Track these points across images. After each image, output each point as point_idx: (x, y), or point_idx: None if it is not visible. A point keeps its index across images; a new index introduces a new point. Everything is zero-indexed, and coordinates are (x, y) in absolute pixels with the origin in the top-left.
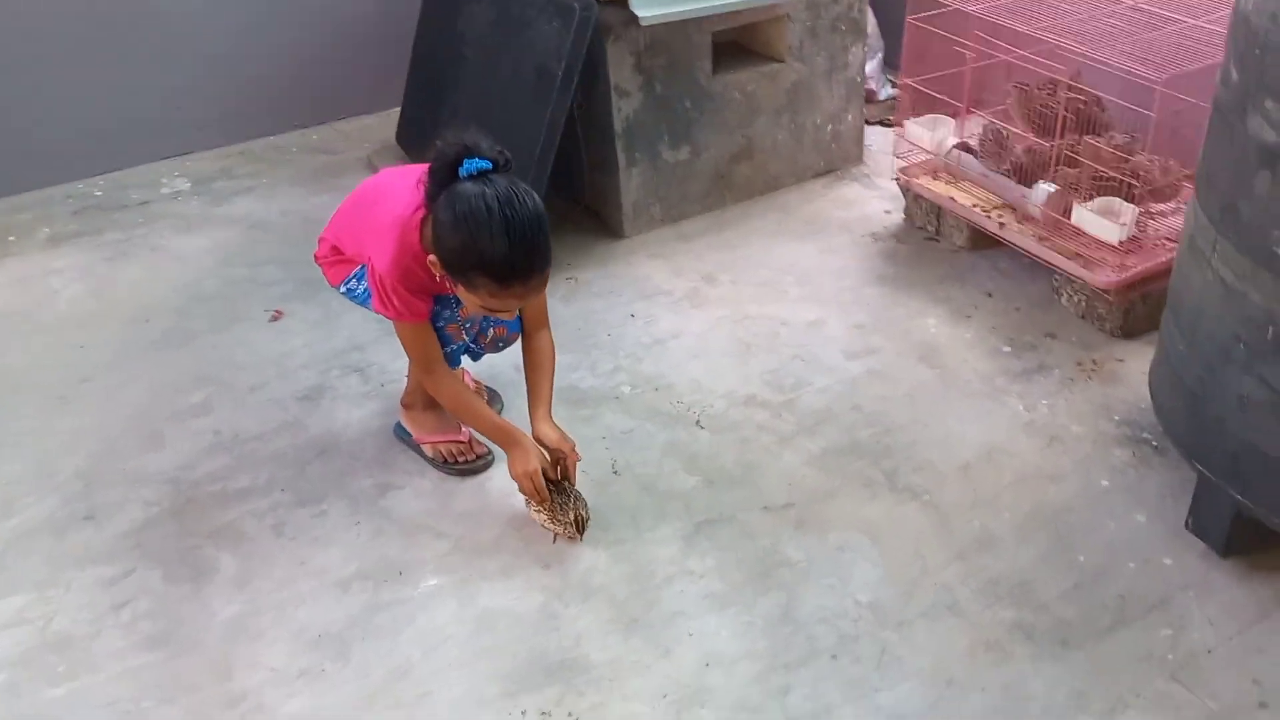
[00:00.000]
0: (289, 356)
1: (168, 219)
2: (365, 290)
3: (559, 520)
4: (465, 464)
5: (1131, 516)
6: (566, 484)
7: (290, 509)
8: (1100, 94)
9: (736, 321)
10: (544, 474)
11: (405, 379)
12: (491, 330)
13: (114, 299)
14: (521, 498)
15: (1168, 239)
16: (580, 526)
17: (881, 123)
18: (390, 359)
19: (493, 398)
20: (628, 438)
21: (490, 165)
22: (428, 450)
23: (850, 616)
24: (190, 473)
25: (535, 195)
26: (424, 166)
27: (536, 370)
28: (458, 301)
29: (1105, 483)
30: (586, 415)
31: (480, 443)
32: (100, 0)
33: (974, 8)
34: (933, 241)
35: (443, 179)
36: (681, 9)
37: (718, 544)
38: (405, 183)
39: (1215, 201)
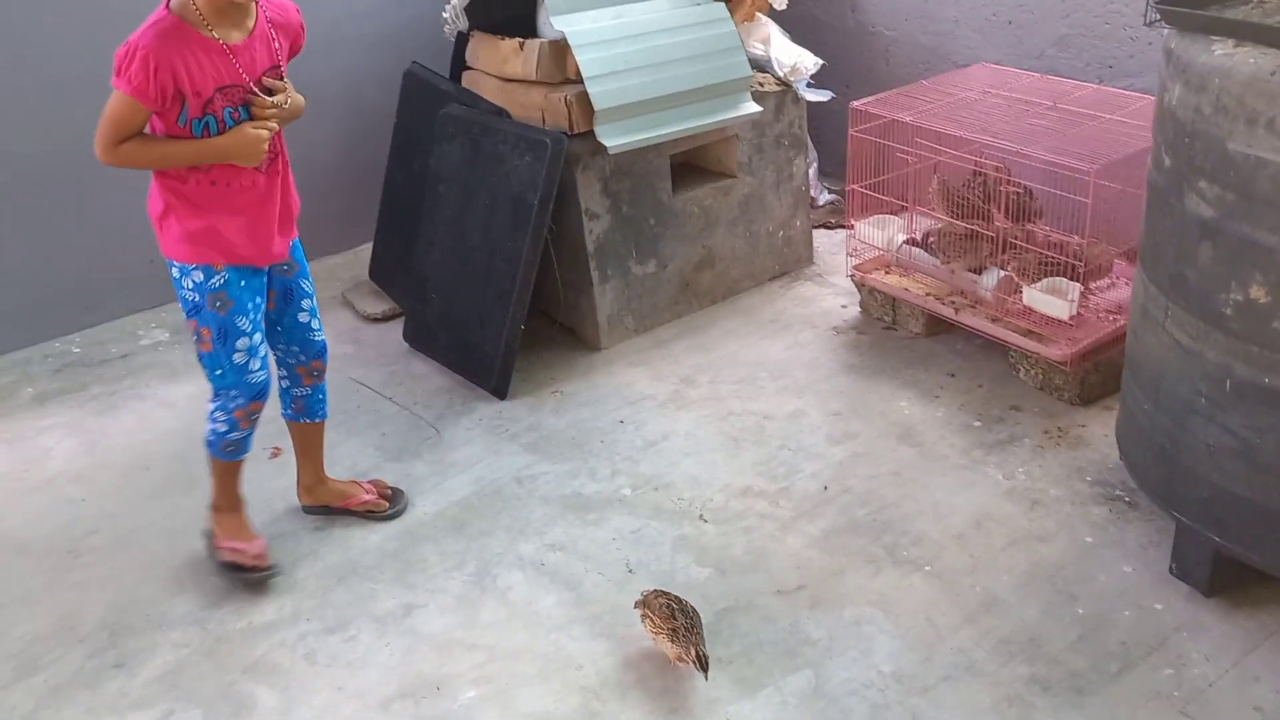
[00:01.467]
0: (293, 489)
1: (152, 369)
2: (200, 300)
3: (680, 642)
4: (249, 572)
5: (1119, 568)
6: (689, 607)
7: (320, 637)
8: (1031, 184)
9: (721, 418)
10: (662, 597)
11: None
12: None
13: (108, 451)
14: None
15: (1108, 311)
16: (703, 664)
17: (824, 225)
18: (395, 483)
19: (396, 496)
20: (637, 537)
21: None
22: (222, 554)
23: (877, 686)
24: (215, 611)
25: None
26: None
27: None
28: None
29: (1089, 539)
30: (594, 519)
31: (268, 556)
32: (59, 156)
33: (907, 117)
34: (891, 330)
35: None
36: (644, 136)
37: (740, 630)
38: None
39: (1163, 272)
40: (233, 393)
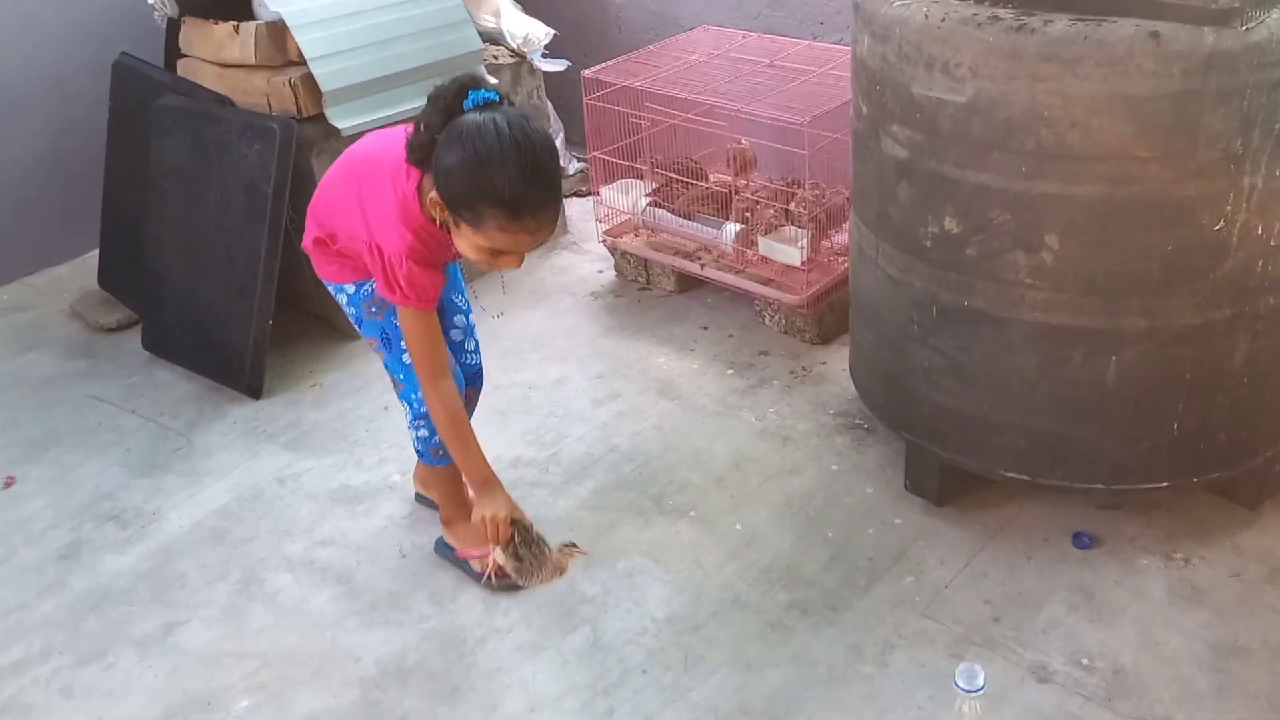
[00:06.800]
0: (32, 521)
1: None
2: (358, 313)
3: (524, 570)
4: (507, 579)
5: (862, 490)
6: (537, 533)
7: (74, 669)
8: (755, 139)
9: (488, 394)
10: (514, 521)
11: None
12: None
13: None
14: None
15: (839, 254)
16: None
17: (576, 194)
18: (144, 499)
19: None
20: (410, 521)
21: (496, 97)
22: (474, 565)
23: (651, 632)
24: None
25: (543, 125)
26: (407, 127)
27: None
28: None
29: (835, 466)
30: (364, 509)
31: None
32: None
33: (637, 83)
34: (646, 290)
35: (447, 112)
36: (377, 116)
37: (518, 599)
38: (394, 147)
39: (870, 212)
40: (417, 395)
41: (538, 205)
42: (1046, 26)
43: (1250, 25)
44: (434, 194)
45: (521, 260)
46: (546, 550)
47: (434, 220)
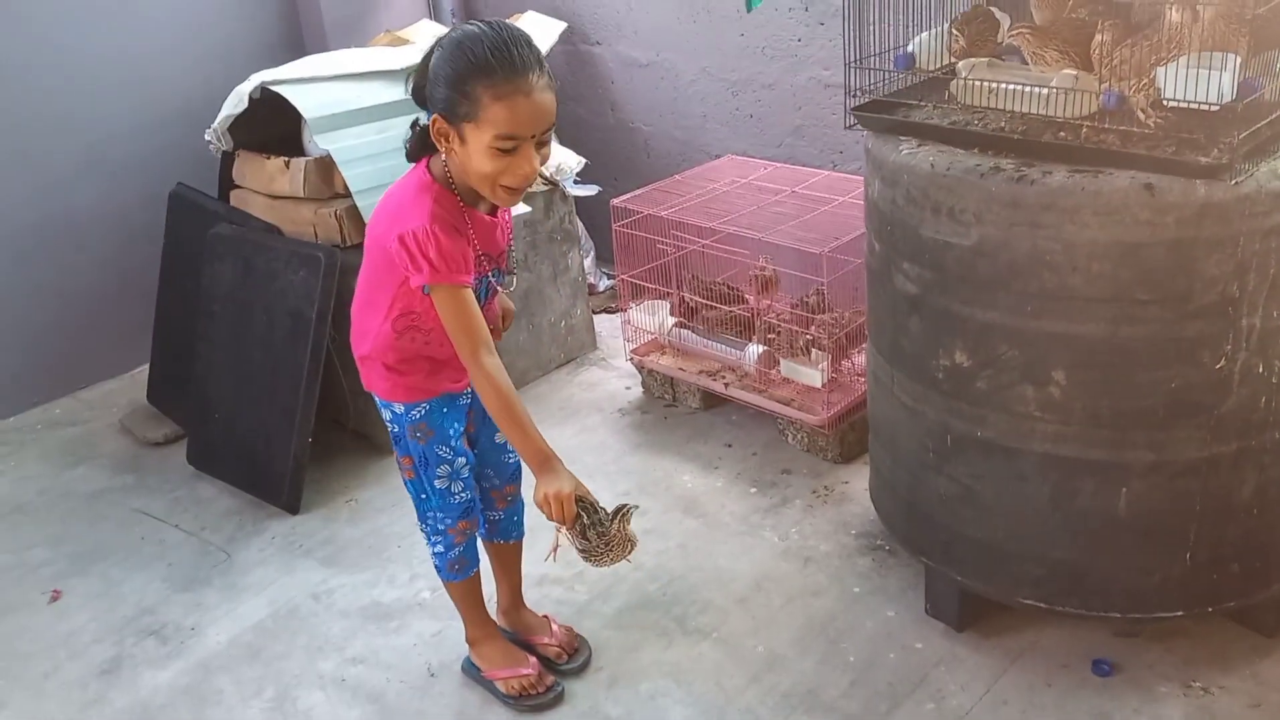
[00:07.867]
0: (76, 634)
1: None
2: (400, 431)
3: (594, 551)
4: (537, 698)
5: (883, 613)
6: (604, 511)
7: None
8: (777, 267)
9: None
10: (580, 499)
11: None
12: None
13: None
14: None
15: (860, 375)
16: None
17: (605, 310)
18: (184, 614)
19: (579, 650)
20: (439, 640)
21: None
22: (500, 686)
23: None
24: None
25: None
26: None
27: None
28: None
29: (856, 589)
30: (395, 626)
31: (549, 674)
32: None
33: (663, 212)
34: (671, 407)
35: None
36: None
37: (541, 718)
38: (397, 181)
39: (885, 342)
40: (439, 514)
41: (522, 63)
42: (1045, 177)
43: (1239, 179)
44: (434, 120)
45: (533, 163)
46: (613, 528)
47: (450, 186)
